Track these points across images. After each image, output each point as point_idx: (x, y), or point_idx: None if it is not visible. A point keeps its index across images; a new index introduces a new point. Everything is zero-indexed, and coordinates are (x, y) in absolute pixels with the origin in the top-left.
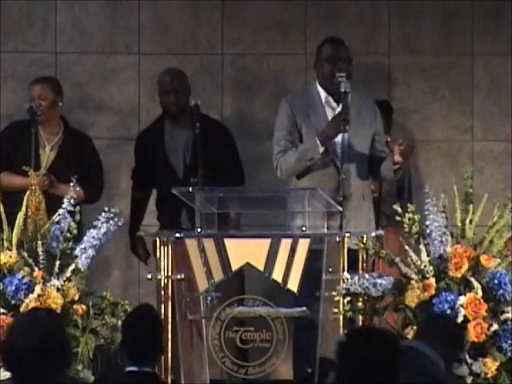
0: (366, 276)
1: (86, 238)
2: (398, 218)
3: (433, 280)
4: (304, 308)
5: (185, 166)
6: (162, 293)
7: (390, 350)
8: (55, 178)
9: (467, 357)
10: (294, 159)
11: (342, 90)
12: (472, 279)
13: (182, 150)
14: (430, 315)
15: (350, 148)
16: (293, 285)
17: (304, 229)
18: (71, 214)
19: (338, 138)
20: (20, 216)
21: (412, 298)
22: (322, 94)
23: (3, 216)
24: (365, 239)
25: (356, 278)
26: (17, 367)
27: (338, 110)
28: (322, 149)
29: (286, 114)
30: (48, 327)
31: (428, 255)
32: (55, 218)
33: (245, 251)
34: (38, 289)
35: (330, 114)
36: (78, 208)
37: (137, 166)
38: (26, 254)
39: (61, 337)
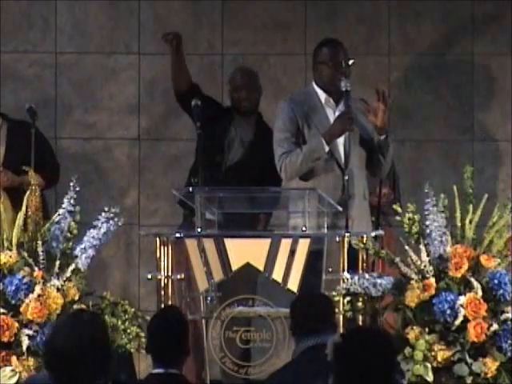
0: (366, 276)
1: (86, 238)
2: (397, 218)
3: (433, 280)
4: None
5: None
6: (162, 293)
7: (386, 350)
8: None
9: (467, 357)
10: (299, 160)
11: (343, 89)
12: (472, 279)
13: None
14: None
15: (349, 148)
16: (293, 285)
17: (304, 229)
18: (71, 214)
19: (341, 138)
20: (20, 216)
21: (412, 298)
22: (321, 94)
23: (3, 216)
24: (365, 239)
25: (356, 277)
26: (58, 368)
27: (338, 109)
28: (327, 148)
29: (287, 115)
30: (93, 329)
31: (428, 255)
32: (55, 218)
33: (245, 251)
34: (38, 289)
35: (330, 115)
36: (77, 208)
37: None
38: (25, 254)
39: (104, 340)
